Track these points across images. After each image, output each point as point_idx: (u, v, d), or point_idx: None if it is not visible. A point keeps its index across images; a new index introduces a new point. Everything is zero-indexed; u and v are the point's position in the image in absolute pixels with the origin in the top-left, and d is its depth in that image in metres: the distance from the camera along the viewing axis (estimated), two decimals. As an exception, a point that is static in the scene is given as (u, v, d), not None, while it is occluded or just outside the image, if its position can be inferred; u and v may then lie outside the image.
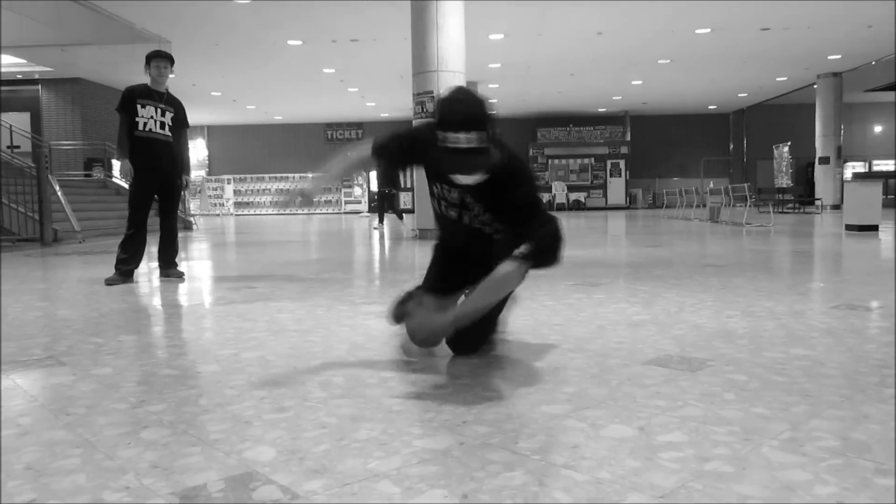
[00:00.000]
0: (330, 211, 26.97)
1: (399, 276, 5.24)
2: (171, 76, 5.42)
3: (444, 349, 2.64)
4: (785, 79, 20.04)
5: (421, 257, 7.05)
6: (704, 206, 16.41)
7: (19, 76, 17.21)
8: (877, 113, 26.26)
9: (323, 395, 2.16)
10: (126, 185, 5.30)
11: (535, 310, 3.66)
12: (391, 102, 22.72)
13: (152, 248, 5.56)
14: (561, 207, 25.06)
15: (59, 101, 17.88)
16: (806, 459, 1.57)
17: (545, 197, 25.42)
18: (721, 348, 2.69)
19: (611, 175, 25.78)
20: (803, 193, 20.58)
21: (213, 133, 28.38)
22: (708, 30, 14.15)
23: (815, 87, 19.95)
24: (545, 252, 2.35)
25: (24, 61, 15.76)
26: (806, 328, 3.06)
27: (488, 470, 1.54)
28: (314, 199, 2.86)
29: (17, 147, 15.44)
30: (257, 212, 27.39)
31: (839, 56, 17.03)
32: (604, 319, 3.36)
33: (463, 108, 2.27)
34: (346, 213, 26.07)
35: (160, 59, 5.32)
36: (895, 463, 1.54)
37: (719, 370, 2.37)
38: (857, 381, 2.20)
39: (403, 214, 14.53)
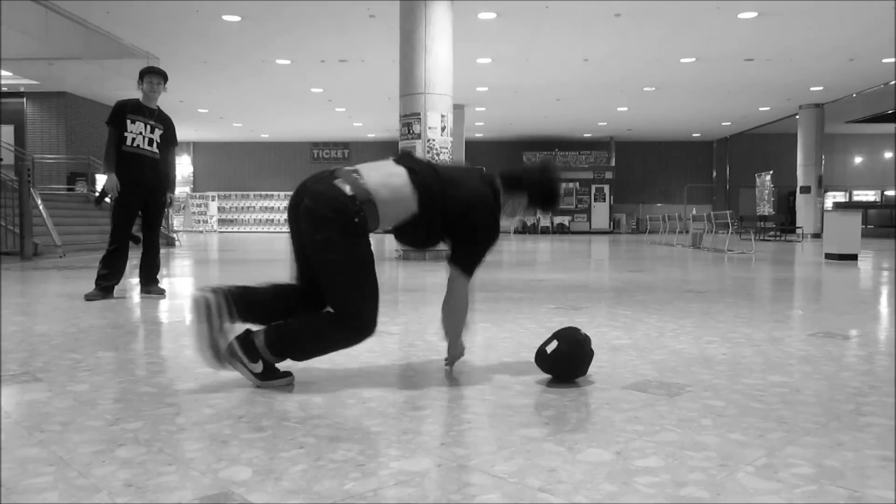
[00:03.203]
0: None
1: (383, 295, 5.22)
2: (163, 93, 5.42)
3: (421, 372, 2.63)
4: (768, 109, 20.35)
5: (406, 277, 7.05)
6: (687, 232, 16.55)
7: (4, 88, 17.12)
8: (857, 144, 26.70)
9: (301, 414, 2.15)
10: (109, 200, 5.26)
11: (517, 332, 3.67)
12: (378, 123, 22.82)
13: (134, 263, 5.52)
14: (545, 231, 25.17)
15: (45, 114, 17.80)
16: (781, 486, 1.58)
17: (530, 220, 25.54)
18: (700, 374, 2.71)
19: (595, 200, 25.96)
20: (784, 222, 20.79)
21: (199, 149, 28.33)
22: (692, 59, 14.37)
23: (798, 117, 20.26)
24: None
25: (10, 74, 15.69)
26: (784, 355, 3.09)
27: (465, 492, 1.54)
28: None
29: (0, 160, 15.32)
30: (241, 229, 27.29)
31: (821, 88, 17.33)
32: (585, 343, 3.37)
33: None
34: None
35: (153, 76, 5.31)
36: (895, 488, 1.56)
37: (697, 396, 2.38)
38: (832, 409, 2.22)
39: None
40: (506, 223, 2.78)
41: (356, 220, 2.43)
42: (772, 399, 2.34)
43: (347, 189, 2.44)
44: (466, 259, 2.65)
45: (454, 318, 2.71)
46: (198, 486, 1.57)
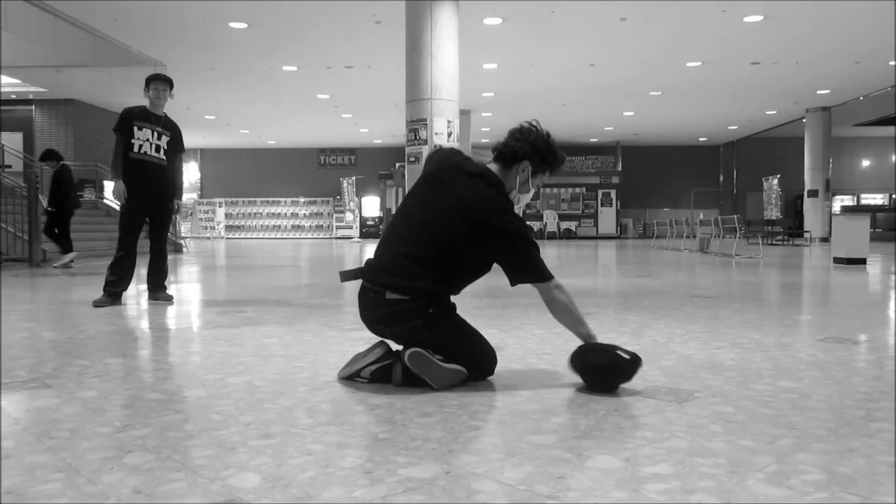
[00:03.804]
0: (321, 236, 26.97)
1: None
2: (169, 100, 5.44)
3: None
4: (774, 112, 20.30)
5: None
6: (694, 236, 16.50)
7: (13, 96, 17.23)
8: (865, 147, 26.60)
9: (309, 421, 2.15)
10: (117, 207, 5.29)
11: (524, 338, 3.66)
12: (384, 129, 22.87)
13: (141, 270, 5.54)
14: (552, 236, 25.16)
15: (53, 121, 17.90)
16: (791, 493, 1.57)
17: (536, 226, 25.52)
18: (708, 380, 2.70)
19: (602, 204, 25.96)
20: (792, 226, 20.73)
21: (206, 156, 28.43)
22: (699, 63, 14.35)
23: (805, 121, 20.21)
24: None
25: (19, 81, 15.80)
26: (793, 361, 3.07)
27: (474, 500, 1.53)
28: None
29: (9, 167, 15.38)
30: (248, 235, 27.36)
31: (828, 91, 17.28)
32: (592, 349, 3.35)
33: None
34: (337, 238, 26.06)
35: (159, 83, 5.34)
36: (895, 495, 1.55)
37: (706, 402, 2.37)
38: (843, 415, 2.21)
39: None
40: (525, 199, 2.76)
41: (431, 310, 2.56)
42: (781, 405, 2.33)
43: (405, 296, 2.54)
44: (524, 268, 2.56)
45: (569, 322, 2.66)
46: (206, 493, 1.57)
